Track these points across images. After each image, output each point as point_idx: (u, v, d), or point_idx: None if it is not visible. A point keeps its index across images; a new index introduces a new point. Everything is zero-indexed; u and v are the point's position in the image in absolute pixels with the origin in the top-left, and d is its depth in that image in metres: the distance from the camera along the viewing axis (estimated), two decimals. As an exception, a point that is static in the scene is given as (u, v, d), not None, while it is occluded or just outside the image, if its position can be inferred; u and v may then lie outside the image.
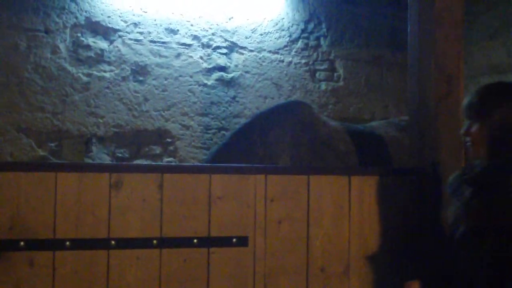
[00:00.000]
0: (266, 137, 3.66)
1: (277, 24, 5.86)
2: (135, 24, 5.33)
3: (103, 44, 5.25)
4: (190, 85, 5.48)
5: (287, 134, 3.61)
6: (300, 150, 3.68)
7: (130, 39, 5.32)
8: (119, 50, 5.28)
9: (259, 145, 3.66)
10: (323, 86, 6.04)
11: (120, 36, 5.30)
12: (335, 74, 6.11)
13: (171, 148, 5.40)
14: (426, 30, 3.01)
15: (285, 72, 5.87)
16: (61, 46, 5.13)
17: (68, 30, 5.16)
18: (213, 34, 5.59)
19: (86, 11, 5.21)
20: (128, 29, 5.31)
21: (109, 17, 5.27)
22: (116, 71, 5.26)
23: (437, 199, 2.81)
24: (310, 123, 3.76)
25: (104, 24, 5.25)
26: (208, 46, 5.57)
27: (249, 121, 4.02)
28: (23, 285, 2.40)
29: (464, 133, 2.27)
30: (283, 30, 5.89)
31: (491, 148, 2.16)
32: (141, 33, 5.34)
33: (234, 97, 5.64)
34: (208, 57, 5.56)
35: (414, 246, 2.79)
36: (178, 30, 5.46)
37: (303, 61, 5.96)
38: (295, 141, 3.64)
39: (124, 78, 5.27)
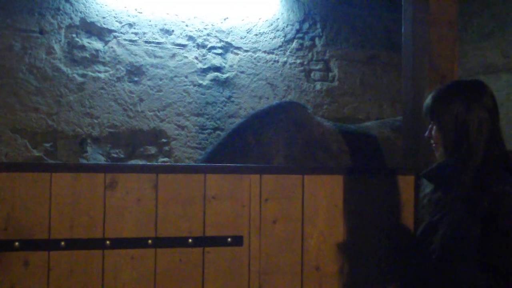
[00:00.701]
0: (261, 137, 3.66)
1: (272, 25, 5.87)
2: (130, 25, 5.33)
3: (98, 45, 5.25)
4: (185, 85, 5.48)
5: (281, 134, 3.62)
6: (294, 150, 3.69)
7: (125, 39, 5.32)
8: (114, 51, 5.28)
9: (254, 145, 3.67)
10: (318, 86, 6.05)
11: (115, 37, 5.30)
12: (330, 74, 6.13)
13: (166, 148, 5.40)
14: (420, 31, 3.02)
15: (280, 72, 5.87)
16: (56, 47, 5.13)
17: (63, 31, 5.16)
18: (208, 34, 5.59)
19: (81, 12, 5.21)
20: (123, 30, 5.31)
21: (104, 17, 5.27)
22: (111, 72, 5.26)
23: None
24: (304, 124, 3.77)
25: (99, 24, 5.25)
26: (203, 46, 5.57)
27: (244, 121, 4.03)
28: (18, 286, 2.40)
29: (427, 136, 2.32)
30: (278, 30, 5.90)
31: (446, 147, 2.22)
32: (136, 33, 5.34)
33: (229, 97, 5.65)
34: (203, 58, 5.57)
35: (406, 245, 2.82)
36: (173, 30, 5.46)
37: (298, 61, 5.97)
38: (289, 141, 3.65)
39: (119, 79, 5.27)
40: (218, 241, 2.65)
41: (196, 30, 5.54)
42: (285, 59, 5.91)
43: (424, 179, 2.37)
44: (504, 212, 2.00)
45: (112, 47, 5.28)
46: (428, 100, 2.31)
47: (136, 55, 5.34)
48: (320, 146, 3.77)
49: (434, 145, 2.31)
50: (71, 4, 5.18)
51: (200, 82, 5.53)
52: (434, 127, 2.28)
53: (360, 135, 4.19)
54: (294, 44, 5.97)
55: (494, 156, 2.13)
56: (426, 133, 2.33)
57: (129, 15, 5.33)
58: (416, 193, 2.95)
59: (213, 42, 5.61)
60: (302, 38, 6.02)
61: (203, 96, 5.54)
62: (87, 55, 5.21)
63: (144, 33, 5.37)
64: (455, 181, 2.12)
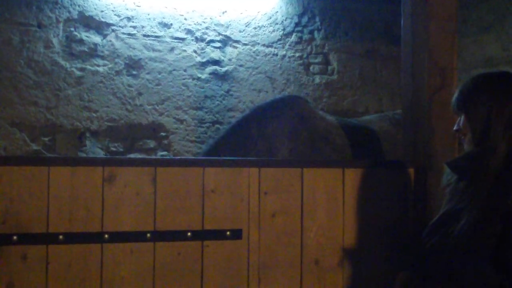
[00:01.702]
0: (265, 131, 3.65)
1: (270, 18, 5.85)
2: (129, 18, 5.31)
3: (96, 39, 5.24)
4: (184, 79, 5.47)
5: (285, 127, 3.60)
6: (299, 143, 3.67)
7: (124, 33, 5.30)
8: (112, 45, 5.26)
9: (257, 138, 3.65)
10: (317, 79, 6.04)
11: (113, 31, 5.28)
12: (329, 68, 6.11)
13: (165, 142, 5.39)
14: (420, 24, 3.01)
15: (279, 65, 5.86)
16: (54, 41, 5.11)
17: (61, 25, 5.14)
18: (206, 28, 5.58)
19: (79, 6, 5.19)
20: (121, 23, 5.30)
21: (102, 11, 5.25)
22: (110, 65, 5.25)
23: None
24: (308, 117, 3.76)
25: (97, 18, 5.24)
26: (201, 40, 5.56)
27: (247, 115, 4.01)
28: (16, 279, 2.39)
29: (455, 129, 2.31)
30: (276, 23, 5.88)
31: (474, 138, 2.20)
32: (134, 27, 5.33)
33: (228, 91, 5.64)
34: (202, 51, 5.55)
35: (407, 237, 2.81)
36: (171, 24, 5.44)
37: (297, 54, 5.96)
38: (293, 135, 3.64)
39: (117, 72, 5.26)
40: (217, 235, 2.64)
41: (194, 24, 5.53)
42: (284, 52, 5.90)
43: (447, 168, 2.36)
44: None
45: (110, 41, 5.26)
46: (456, 93, 2.29)
47: (134, 48, 5.33)
48: (324, 139, 3.76)
49: (462, 137, 2.29)
50: (69, -3, 5.16)
51: (199, 75, 5.52)
52: (462, 119, 2.26)
53: (360, 129, 4.19)
54: (293, 38, 5.95)
55: None
56: (455, 127, 2.32)
57: (127, 9, 5.31)
58: (415, 186, 2.94)
59: (211, 35, 5.59)
60: (301, 31, 6.01)
61: (202, 90, 5.53)
62: (86, 49, 5.20)
63: (143, 26, 5.35)
64: (482, 170, 2.10)
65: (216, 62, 5.60)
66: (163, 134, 5.39)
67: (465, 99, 2.24)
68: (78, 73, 5.16)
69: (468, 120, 2.22)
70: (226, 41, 5.65)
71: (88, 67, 5.19)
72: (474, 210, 2.08)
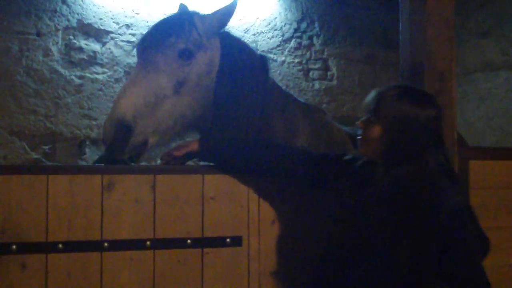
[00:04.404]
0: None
1: (269, 24, 5.86)
2: (127, 26, 5.32)
3: (95, 46, 5.24)
4: (184, 86, 5.46)
5: (307, 128, 3.52)
6: (319, 148, 3.61)
7: (123, 40, 5.31)
8: (111, 52, 5.27)
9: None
10: (317, 85, 6.04)
11: (112, 38, 5.29)
12: (329, 73, 6.12)
13: (165, 149, 5.38)
14: (418, 29, 3.01)
15: (278, 71, 5.86)
16: (53, 49, 5.12)
17: (60, 33, 5.15)
18: (205, 34, 5.57)
19: (78, 14, 5.20)
20: (120, 31, 5.30)
21: (101, 19, 5.26)
22: (109, 73, 5.25)
23: None
24: (326, 125, 3.70)
25: (96, 26, 5.24)
26: (201, 46, 5.55)
27: None
28: (15, 289, 2.39)
29: (359, 123, 2.29)
30: (276, 29, 5.89)
31: (387, 148, 2.19)
32: (133, 34, 5.33)
33: (227, 98, 5.62)
34: (201, 58, 5.54)
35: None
36: (170, 31, 5.44)
37: (296, 60, 5.97)
38: (311, 145, 3.56)
39: (117, 80, 5.26)
40: (217, 242, 2.63)
41: (193, 31, 5.52)
42: (283, 58, 5.91)
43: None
44: (462, 224, 2.05)
45: (109, 49, 5.27)
46: (371, 96, 2.30)
47: (133, 56, 5.31)
48: (341, 150, 3.72)
49: (366, 140, 2.27)
50: (68, 6, 5.17)
51: (198, 82, 5.51)
52: (371, 124, 2.24)
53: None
54: (292, 43, 5.96)
55: (439, 164, 2.16)
56: (360, 124, 2.29)
57: (126, 16, 5.32)
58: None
59: (211, 42, 5.58)
60: (300, 37, 6.01)
61: (202, 97, 5.52)
62: (85, 57, 5.21)
63: (142, 34, 5.34)
64: (408, 190, 2.10)
65: (215, 69, 5.59)
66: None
67: (383, 105, 2.23)
68: (77, 81, 5.16)
69: (384, 128, 2.21)
70: (225, 47, 5.64)
71: (88, 75, 5.20)
72: (410, 234, 2.06)
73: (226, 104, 2.97)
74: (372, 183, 2.22)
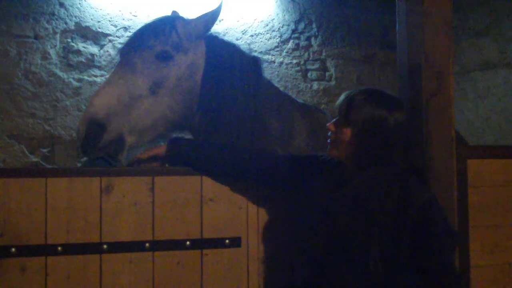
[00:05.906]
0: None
1: (267, 25, 5.86)
2: (125, 28, 5.32)
3: (93, 49, 5.24)
4: (182, 88, 5.46)
5: (305, 129, 3.52)
6: (318, 149, 3.60)
7: (121, 43, 5.30)
8: (109, 55, 5.27)
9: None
10: (315, 85, 6.04)
11: (110, 41, 5.29)
12: (327, 74, 6.12)
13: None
14: (415, 28, 3.01)
15: (276, 72, 5.86)
16: (51, 52, 5.12)
17: (58, 36, 5.15)
18: (203, 36, 5.57)
19: (75, 16, 5.20)
20: (118, 34, 5.30)
21: (99, 21, 5.26)
22: (107, 76, 5.24)
23: None
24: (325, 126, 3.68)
25: (94, 29, 5.24)
26: (199, 48, 5.55)
27: None
28: (15, 292, 2.39)
29: (329, 126, 2.33)
30: (273, 30, 5.89)
31: (360, 151, 2.26)
32: (131, 37, 5.33)
33: (226, 99, 5.63)
34: (199, 60, 5.55)
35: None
36: (168, 33, 5.44)
37: (295, 61, 5.97)
38: (313, 145, 3.55)
39: (115, 82, 5.25)
40: (216, 243, 2.63)
41: (191, 32, 5.52)
42: (282, 59, 5.91)
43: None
44: (431, 219, 2.15)
45: (107, 51, 5.27)
46: (342, 99, 2.34)
47: (132, 58, 5.32)
48: None
49: (336, 142, 2.31)
50: (66, 8, 5.17)
51: (197, 84, 5.51)
52: (342, 125, 2.28)
53: None
54: (290, 44, 5.96)
55: (408, 164, 2.28)
56: (331, 126, 2.33)
57: (124, 19, 5.32)
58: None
59: (209, 44, 5.59)
60: (298, 38, 6.01)
61: (200, 98, 5.52)
62: (83, 60, 5.21)
63: (139, 36, 5.35)
64: (378, 190, 2.17)
65: (213, 70, 5.59)
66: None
67: (354, 108, 2.28)
68: (75, 83, 5.16)
69: (355, 130, 2.26)
70: (223, 49, 5.65)
71: (86, 77, 5.20)
72: (383, 229, 2.12)
73: (212, 105, 3.00)
74: (343, 185, 2.27)
